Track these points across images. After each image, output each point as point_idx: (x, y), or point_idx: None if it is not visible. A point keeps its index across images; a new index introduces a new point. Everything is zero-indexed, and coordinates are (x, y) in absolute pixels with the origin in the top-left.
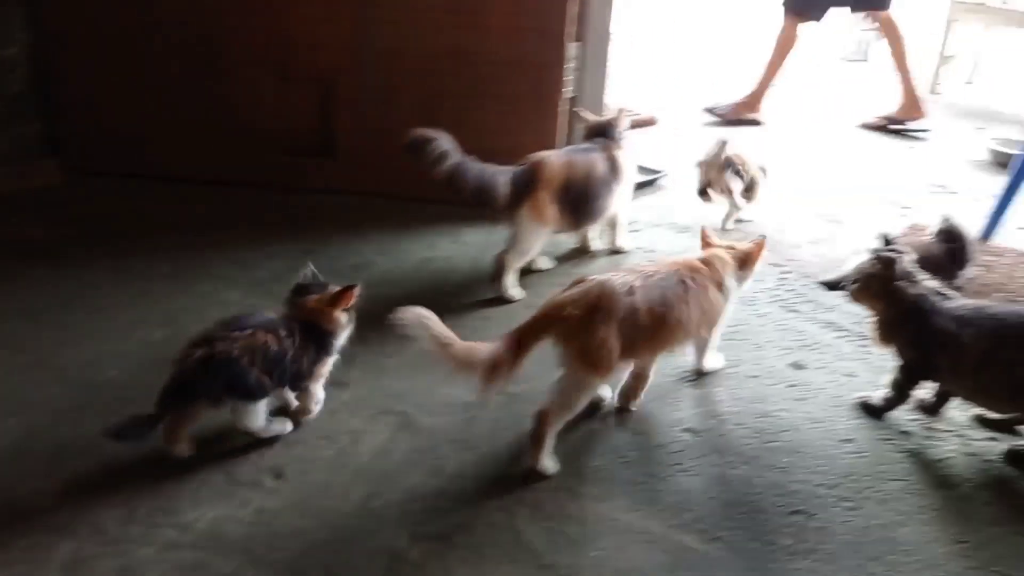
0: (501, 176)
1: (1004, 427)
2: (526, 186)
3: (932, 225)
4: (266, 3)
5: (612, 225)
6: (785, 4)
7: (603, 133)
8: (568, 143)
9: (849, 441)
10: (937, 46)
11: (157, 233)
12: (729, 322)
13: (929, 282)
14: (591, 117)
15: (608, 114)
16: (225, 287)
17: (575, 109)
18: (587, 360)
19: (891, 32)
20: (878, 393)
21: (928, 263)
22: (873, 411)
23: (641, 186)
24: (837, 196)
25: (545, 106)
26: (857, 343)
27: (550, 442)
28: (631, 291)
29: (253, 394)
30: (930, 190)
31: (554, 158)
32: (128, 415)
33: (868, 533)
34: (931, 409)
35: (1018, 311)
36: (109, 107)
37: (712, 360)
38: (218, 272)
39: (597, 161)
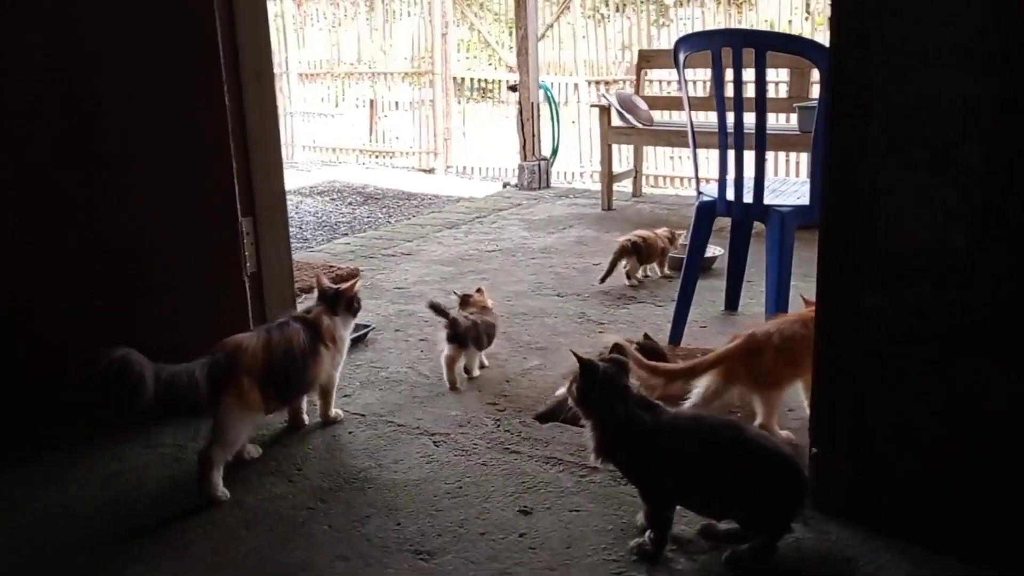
0: (196, 370)
1: (725, 537)
2: (226, 374)
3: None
4: None
5: (323, 394)
6: None
7: (324, 299)
8: (259, 319)
9: None
10: None
11: None
12: (453, 477)
13: (637, 391)
14: (325, 284)
15: (341, 284)
16: None
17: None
18: None
19: None
20: (647, 535)
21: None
22: (650, 556)
23: (353, 342)
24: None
25: (225, 289)
26: (578, 475)
27: None
28: None
29: None
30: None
31: (249, 339)
32: None
33: None
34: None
35: (727, 420)
36: None
37: None
38: None
39: (296, 333)
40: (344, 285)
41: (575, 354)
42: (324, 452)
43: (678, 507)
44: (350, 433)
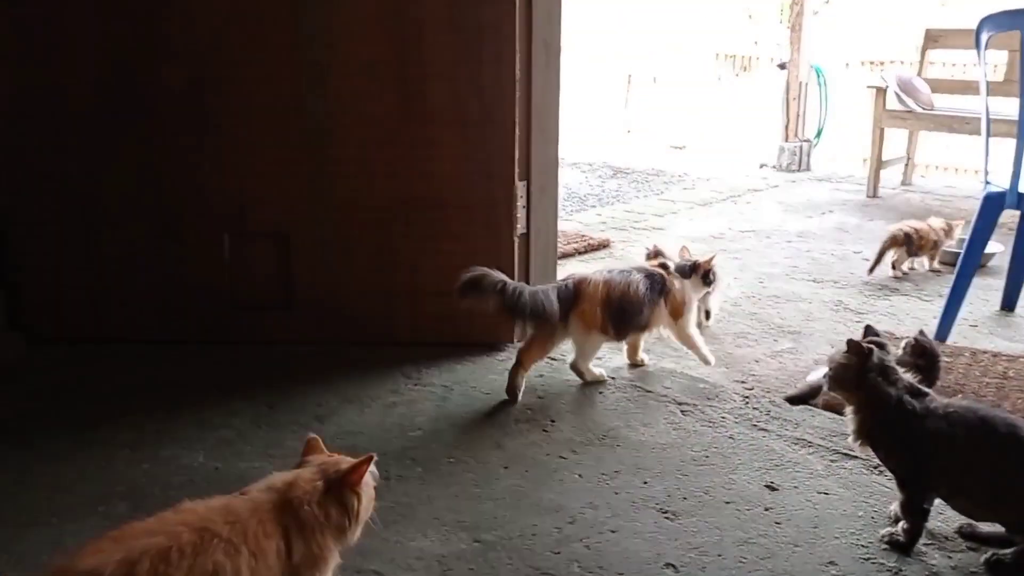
0: (550, 292)
1: (986, 540)
2: (573, 300)
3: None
4: (220, 162)
5: (688, 346)
6: None
7: (680, 269)
8: (523, 278)
9: (832, 564)
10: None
11: (118, 399)
12: (699, 446)
13: (906, 377)
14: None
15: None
16: (188, 450)
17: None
18: None
19: None
20: (899, 526)
21: None
22: (902, 547)
23: None
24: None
25: (498, 246)
26: (828, 459)
27: None
28: None
29: None
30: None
31: (593, 276)
32: None
33: None
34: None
35: (1005, 417)
36: (66, 275)
37: None
38: (181, 435)
39: (636, 281)
40: (701, 259)
41: (850, 341)
42: (576, 408)
43: (937, 501)
44: (600, 394)
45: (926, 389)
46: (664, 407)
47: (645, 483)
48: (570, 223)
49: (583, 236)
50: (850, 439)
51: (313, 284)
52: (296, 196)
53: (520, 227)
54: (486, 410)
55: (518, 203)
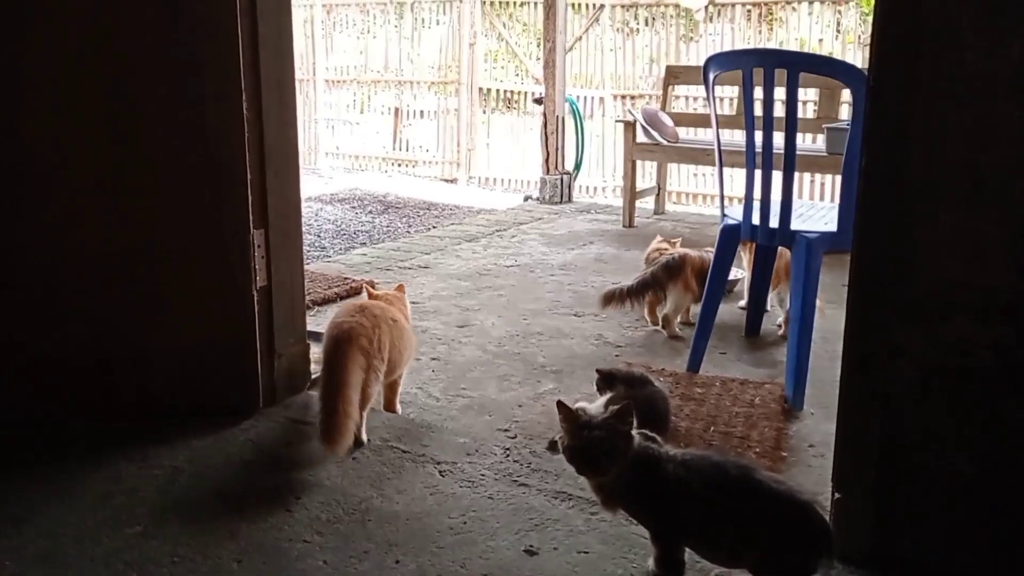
0: (660, 263)
1: None
2: (678, 268)
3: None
4: None
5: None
6: None
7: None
8: (265, 334)
9: None
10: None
11: None
12: (457, 511)
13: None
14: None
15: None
16: None
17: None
18: None
19: None
20: None
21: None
22: None
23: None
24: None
25: (234, 301)
26: (589, 511)
27: None
28: None
29: None
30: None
31: (693, 252)
32: None
33: None
34: None
35: (736, 461)
36: None
37: None
38: None
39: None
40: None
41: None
42: (325, 478)
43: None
44: (353, 459)
45: (654, 435)
46: (421, 468)
47: (397, 562)
48: (334, 264)
49: (345, 279)
50: (601, 506)
51: (12, 354)
52: None
53: (260, 279)
54: (222, 492)
55: (256, 253)
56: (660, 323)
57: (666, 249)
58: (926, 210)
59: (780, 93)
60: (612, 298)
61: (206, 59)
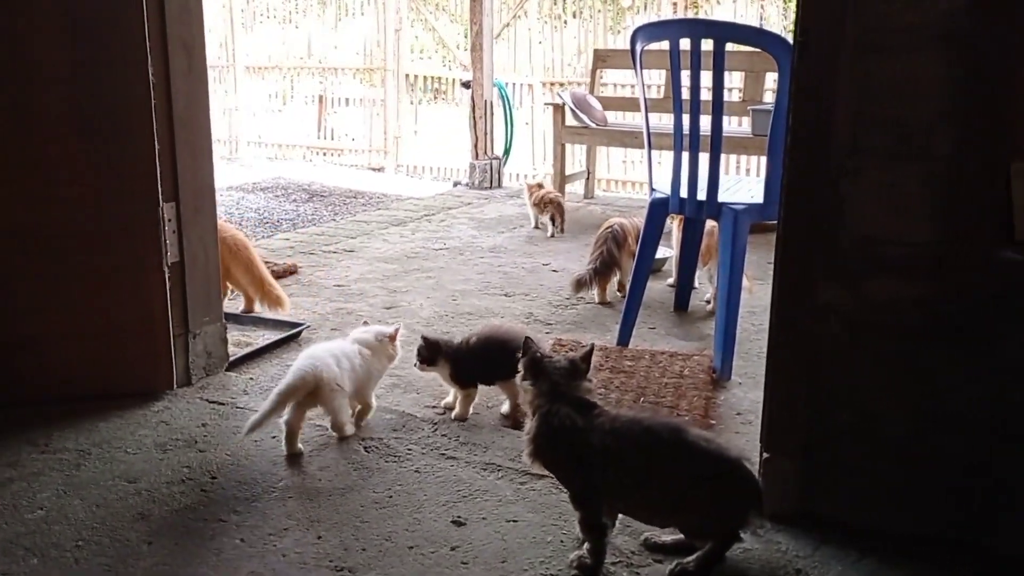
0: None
1: (671, 549)
2: (623, 237)
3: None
4: None
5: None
6: None
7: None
8: (180, 310)
9: None
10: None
11: None
12: (382, 486)
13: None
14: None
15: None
16: None
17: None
18: None
19: None
20: (585, 547)
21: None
22: (590, 569)
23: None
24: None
25: (143, 277)
26: (518, 481)
27: None
28: None
29: None
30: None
31: (627, 222)
32: None
33: None
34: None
35: (667, 422)
36: None
37: None
38: None
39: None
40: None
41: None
42: (242, 459)
43: (624, 516)
44: (273, 438)
45: (593, 401)
46: (346, 445)
47: (319, 538)
48: (256, 250)
49: (268, 262)
50: (524, 456)
51: None
52: None
53: (172, 255)
54: (132, 475)
55: (166, 227)
56: (606, 298)
57: (541, 186)
58: (852, 166)
59: (707, 77)
60: (583, 283)
61: (108, 18)
